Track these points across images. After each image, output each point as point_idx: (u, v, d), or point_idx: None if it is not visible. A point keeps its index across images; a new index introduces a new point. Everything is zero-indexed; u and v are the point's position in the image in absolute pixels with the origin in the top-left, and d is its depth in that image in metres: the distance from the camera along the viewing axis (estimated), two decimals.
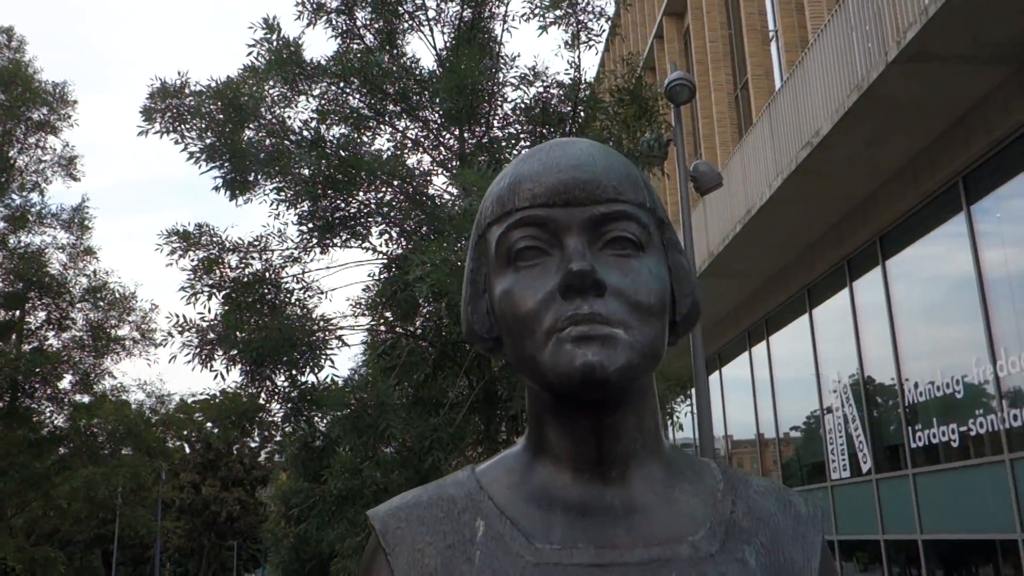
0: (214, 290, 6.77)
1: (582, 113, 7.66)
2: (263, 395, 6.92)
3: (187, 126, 6.90)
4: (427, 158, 7.53)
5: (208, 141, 6.84)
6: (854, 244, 13.66)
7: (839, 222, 13.95)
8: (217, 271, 6.73)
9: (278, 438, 60.93)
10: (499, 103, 7.58)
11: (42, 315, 9.34)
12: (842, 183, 12.54)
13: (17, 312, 9.28)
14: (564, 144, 1.03)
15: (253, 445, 60.97)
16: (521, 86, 7.65)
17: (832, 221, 13.98)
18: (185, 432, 50.52)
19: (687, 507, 1.00)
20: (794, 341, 16.46)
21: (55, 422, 9.32)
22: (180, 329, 6.65)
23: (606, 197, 0.98)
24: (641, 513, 0.98)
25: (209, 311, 6.65)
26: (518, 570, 0.93)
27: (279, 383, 6.83)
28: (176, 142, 7.30)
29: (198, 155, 6.90)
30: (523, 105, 7.62)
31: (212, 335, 6.45)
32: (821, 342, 15.42)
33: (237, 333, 6.43)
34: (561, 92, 7.74)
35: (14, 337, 9.08)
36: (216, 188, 6.97)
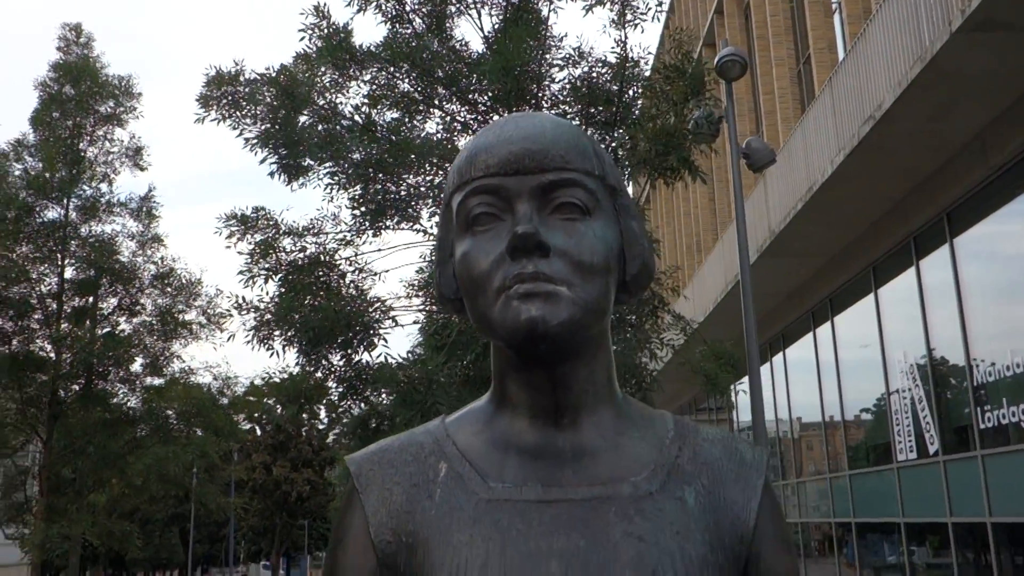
0: (271, 273, 6.95)
1: (629, 92, 7.60)
2: (319, 374, 7.11)
3: (242, 112, 7.08)
4: None
5: (263, 127, 7.01)
6: (920, 221, 13.31)
7: (904, 198, 13.61)
8: (273, 254, 6.93)
9: (344, 421, 62.22)
10: (547, 84, 7.58)
11: (113, 301, 9.69)
12: (906, 158, 12.22)
13: (90, 298, 9.63)
14: (518, 118, 1.11)
15: (321, 427, 62.26)
16: (568, 66, 7.62)
17: (897, 197, 13.64)
18: (256, 414, 51.83)
19: (633, 451, 1.08)
20: (859, 321, 16.14)
21: (128, 403, 9.67)
22: (240, 310, 6.86)
23: (554, 166, 1.05)
24: (589, 456, 1.07)
25: (267, 294, 6.85)
26: (472, 505, 1.03)
27: (335, 363, 7.01)
28: (233, 127, 7.51)
29: (254, 142, 7.08)
30: (570, 85, 7.60)
31: (269, 316, 6.65)
32: (887, 322, 15.09)
33: (294, 314, 6.61)
34: (608, 71, 7.70)
35: (87, 322, 9.43)
36: (272, 174, 7.16)
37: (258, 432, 59.01)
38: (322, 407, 60.64)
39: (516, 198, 1.04)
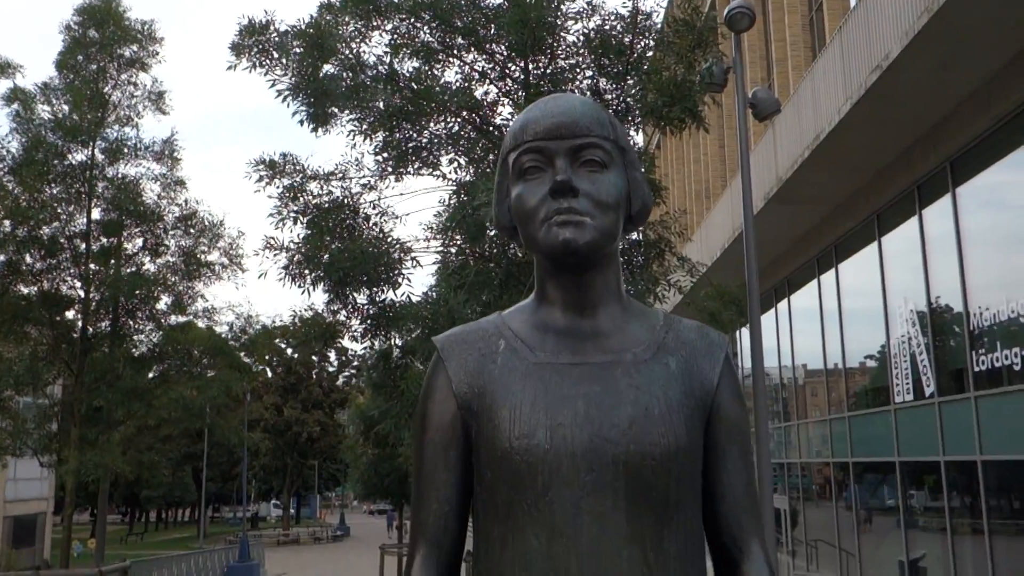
0: (299, 215, 7.30)
1: (640, 44, 7.83)
2: (344, 312, 7.51)
3: (272, 62, 7.35)
4: (493, 89, 7.85)
5: (293, 79, 7.28)
6: (924, 170, 13.55)
7: (910, 147, 13.82)
8: (300, 198, 7.27)
9: (355, 364, 62.62)
10: (562, 35, 7.80)
11: (139, 242, 10.05)
12: (912, 108, 12.41)
13: (116, 239, 9.99)
14: (557, 98, 1.60)
15: (331, 370, 63.13)
16: (582, 19, 7.83)
17: (903, 146, 13.86)
18: (267, 356, 52.48)
19: (634, 333, 1.59)
20: (863, 269, 16.46)
21: (153, 340, 10.09)
22: (271, 250, 7.24)
23: (581, 133, 1.53)
24: (603, 336, 1.57)
25: (297, 236, 7.20)
26: (523, 367, 1.54)
27: (360, 301, 7.41)
28: (265, 74, 7.78)
29: (286, 93, 7.38)
30: (584, 37, 7.82)
31: (299, 256, 7.01)
32: (889, 269, 15.41)
33: (322, 255, 6.97)
34: (621, 24, 7.90)
35: (112, 262, 9.80)
36: (301, 122, 7.45)
37: (269, 374, 59.84)
38: (332, 351, 61.39)
39: (555, 156, 1.53)
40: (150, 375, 10.00)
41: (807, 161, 14.52)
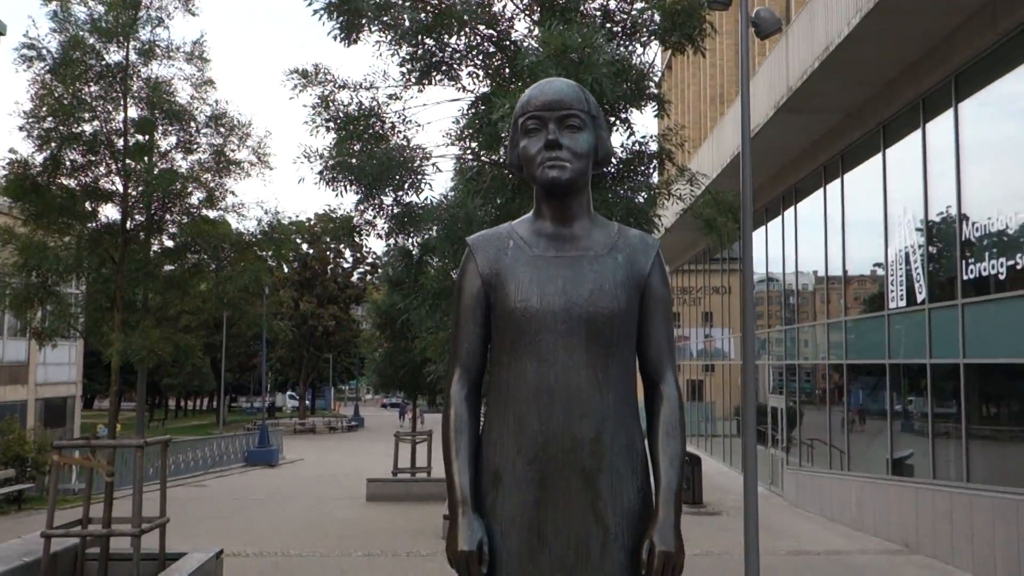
0: (331, 123, 7.86)
1: None
2: (371, 212, 8.16)
3: None
4: (511, 4, 8.24)
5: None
6: (930, 83, 13.86)
7: (918, 60, 14.09)
8: (332, 106, 7.80)
9: (370, 261, 63.17)
10: None
11: (172, 139, 10.54)
12: (920, 20, 12.66)
13: (150, 136, 10.52)
14: (552, 81, 2.50)
15: (345, 266, 64.16)
16: None
17: (910, 59, 14.12)
18: (283, 252, 53.08)
19: (597, 238, 2.49)
20: (867, 178, 16.90)
21: (186, 232, 10.72)
22: (306, 158, 7.86)
23: (566, 106, 2.42)
24: (577, 239, 2.47)
25: (330, 143, 7.78)
26: (525, 258, 2.43)
27: (386, 202, 8.06)
28: None
29: (322, 11, 7.81)
30: None
31: (332, 162, 7.61)
32: (892, 179, 15.86)
33: (351, 160, 7.55)
34: None
35: (146, 159, 10.35)
36: (334, 37, 7.91)
37: (284, 269, 60.87)
38: (347, 248, 62.14)
39: (548, 121, 2.41)
40: (186, 266, 10.68)
41: (817, 71, 14.82)
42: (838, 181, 18.37)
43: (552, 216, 2.46)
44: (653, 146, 7.76)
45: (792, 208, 21.60)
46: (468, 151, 8.19)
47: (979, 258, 12.47)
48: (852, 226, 18.11)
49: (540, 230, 2.47)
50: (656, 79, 7.93)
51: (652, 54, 8.85)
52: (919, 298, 14.32)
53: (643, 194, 7.96)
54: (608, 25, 7.66)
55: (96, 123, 9.95)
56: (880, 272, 16.28)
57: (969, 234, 12.81)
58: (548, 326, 2.35)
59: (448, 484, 2.36)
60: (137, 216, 10.24)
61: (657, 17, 7.38)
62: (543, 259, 2.42)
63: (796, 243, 21.64)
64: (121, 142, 9.91)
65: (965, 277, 12.78)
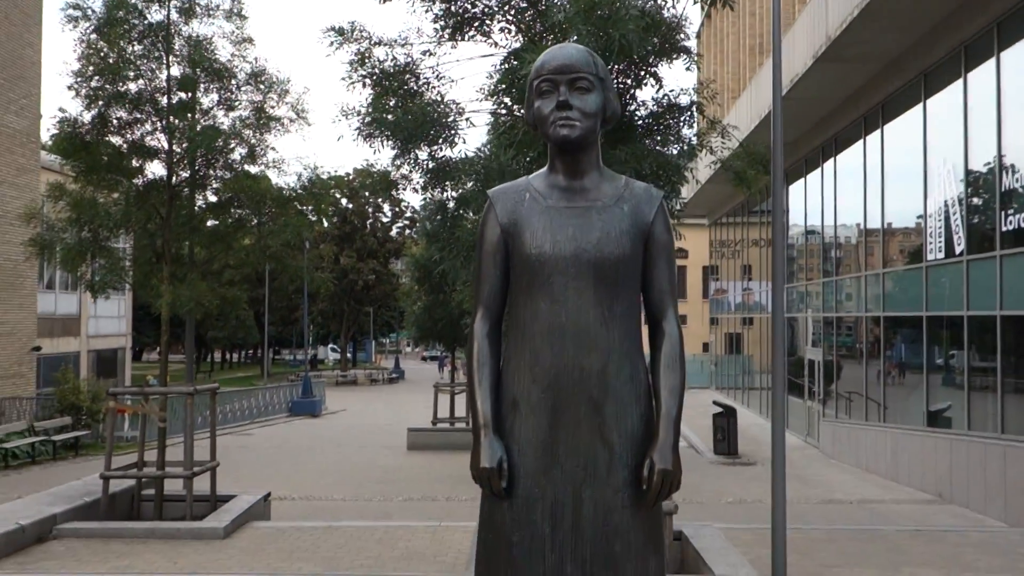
0: (367, 79, 8.04)
1: None
2: (407, 167, 8.36)
3: None
4: None
5: None
6: (972, 30, 13.61)
7: (959, 7, 13.82)
8: (368, 63, 7.97)
9: (408, 214, 63.39)
10: None
11: (214, 96, 10.79)
12: None
13: (191, 94, 10.77)
14: (563, 47, 2.74)
15: (384, 220, 64.63)
16: None
17: (952, 6, 13.86)
18: (323, 206, 53.62)
19: (605, 190, 2.74)
20: (907, 129, 16.68)
21: (229, 187, 11.01)
22: (344, 115, 8.06)
23: (576, 70, 2.65)
24: (587, 191, 2.72)
25: (367, 99, 7.97)
26: (539, 209, 2.71)
27: (421, 157, 8.26)
28: None
29: None
30: None
31: (369, 119, 7.81)
32: (932, 130, 15.65)
33: (387, 115, 7.74)
34: None
35: (189, 116, 10.62)
36: None
37: (324, 224, 61.39)
38: (387, 203, 62.45)
39: (559, 84, 2.64)
40: (230, 221, 11.00)
41: (856, 19, 14.60)
42: (878, 132, 18.15)
43: (564, 170, 2.69)
44: (684, 99, 7.84)
45: (832, 160, 21.40)
46: (501, 106, 8.32)
47: (1020, 209, 12.35)
48: (892, 177, 17.94)
49: (553, 183, 2.70)
50: (688, 31, 7.96)
51: (681, 6, 8.88)
52: (957, 250, 14.23)
53: (675, 147, 8.05)
54: None
55: (140, 81, 10.23)
56: (919, 224, 16.16)
57: (1009, 185, 12.68)
58: (560, 270, 2.59)
59: (472, 409, 2.64)
60: (182, 172, 10.55)
61: None
62: (555, 209, 2.65)
63: (835, 195, 21.47)
64: (165, 100, 10.18)
65: (1004, 228, 12.68)
